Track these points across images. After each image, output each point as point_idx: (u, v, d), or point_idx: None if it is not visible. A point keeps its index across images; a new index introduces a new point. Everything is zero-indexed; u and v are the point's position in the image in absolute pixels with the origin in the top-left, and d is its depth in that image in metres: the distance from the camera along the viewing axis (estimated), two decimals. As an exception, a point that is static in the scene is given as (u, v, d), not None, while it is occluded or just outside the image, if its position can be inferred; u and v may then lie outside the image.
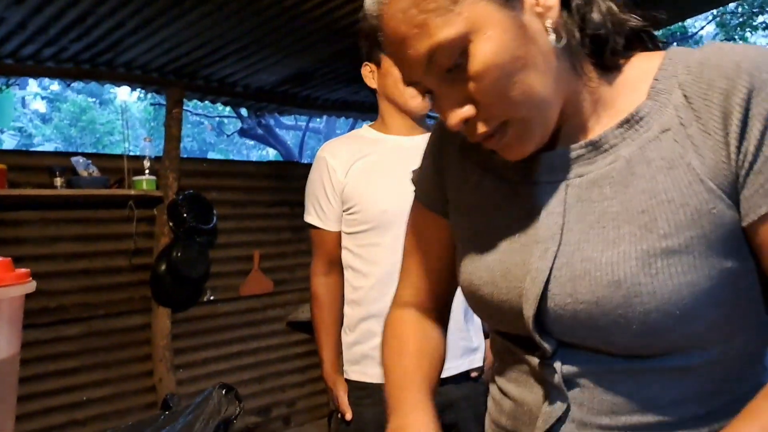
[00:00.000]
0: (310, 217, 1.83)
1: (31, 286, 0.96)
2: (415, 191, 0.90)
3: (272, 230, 4.12)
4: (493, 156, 0.74)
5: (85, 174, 3.07)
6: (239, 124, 5.80)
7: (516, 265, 0.71)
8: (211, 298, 3.84)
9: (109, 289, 3.39)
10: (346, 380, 1.76)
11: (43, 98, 14.60)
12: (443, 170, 0.85)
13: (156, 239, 3.50)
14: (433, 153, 0.87)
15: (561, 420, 0.71)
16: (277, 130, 5.84)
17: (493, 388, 0.86)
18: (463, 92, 0.65)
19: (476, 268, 0.77)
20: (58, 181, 2.99)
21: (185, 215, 3.37)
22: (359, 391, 1.71)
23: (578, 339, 0.69)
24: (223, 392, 1.19)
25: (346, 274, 1.80)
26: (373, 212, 1.71)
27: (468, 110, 0.66)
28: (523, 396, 0.76)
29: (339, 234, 1.80)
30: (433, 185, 0.86)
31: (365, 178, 1.73)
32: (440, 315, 0.94)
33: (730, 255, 0.64)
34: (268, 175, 4.14)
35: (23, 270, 0.95)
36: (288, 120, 6.80)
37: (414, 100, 1.69)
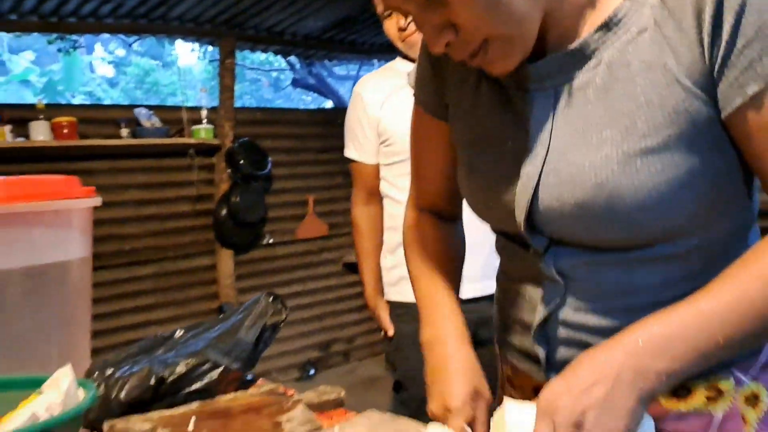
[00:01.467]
0: (349, 152, 1.94)
1: (97, 200, 1.11)
2: (414, 95, 0.93)
3: (325, 175, 4.27)
4: None
5: (147, 125, 3.28)
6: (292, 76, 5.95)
7: (508, 171, 0.75)
8: (270, 241, 4.06)
9: (176, 233, 3.65)
10: (387, 301, 1.89)
11: (109, 63, 15.16)
12: (442, 72, 0.87)
13: (216, 186, 3.72)
14: (431, 56, 0.88)
15: (558, 306, 0.77)
16: (329, 80, 5.93)
17: (499, 283, 0.92)
18: (442, 16, 0.67)
19: (472, 175, 0.81)
20: (124, 131, 3.21)
21: (241, 162, 3.56)
22: (398, 309, 1.84)
23: (567, 237, 0.74)
24: (270, 299, 1.33)
25: (385, 202, 1.91)
26: (408, 143, 1.80)
27: (448, 34, 0.68)
28: (524, 288, 0.82)
29: (377, 166, 1.90)
30: (432, 90, 0.89)
31: (400, 111, 1.81)
32: (453, 212, 0.98)
33: (708, 150, 0.67)
34: (319, 122, 4.27)
35: (89, 187, 1.11)
36: (340, 70, 6.87)
37: (392, 29, 1.77)
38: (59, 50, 3.67)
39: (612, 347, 0.64)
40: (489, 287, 1.85)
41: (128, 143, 3.25)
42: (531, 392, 0.84)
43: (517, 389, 0.88)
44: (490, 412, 0.75)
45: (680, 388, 0.75)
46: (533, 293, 0.80)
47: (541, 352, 0.79)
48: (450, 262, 0.93)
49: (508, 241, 0.85)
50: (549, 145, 0.72)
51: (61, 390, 0.86)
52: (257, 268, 4.01)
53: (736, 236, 0.75)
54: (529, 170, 0.73)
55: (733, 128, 0.67)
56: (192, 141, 3.49)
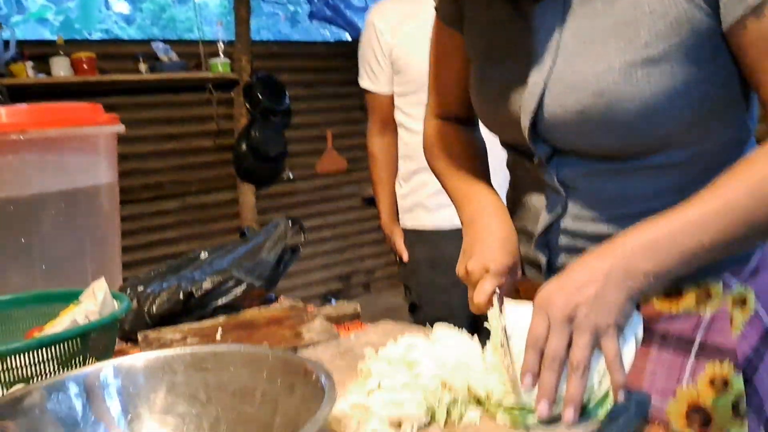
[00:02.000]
0: (363, 81, 1.95)
1: (121, 127, 1.16)
2: (435, 7, 0.95)
3: (343, 110, 4.28)
4: None
5: (165, 59, 3.30)
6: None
7: (516, 81, 0.78)
8: (290, 176, 4.11)
9: (198, 168, 3.72)
10: (402, 228, 1.95)
11: (125, -1, 14.97)
12: None
13: (235, 120, 3.75)
14: None
15: (560, 215, 0.82)
16: (347, 12, 5.83)
17: (508, 198, 0.95)
18: None
19: (483, 85, 0.85)
20: (142, 66, 3.24)
21: (260, 96, 3.57)
22: (412, 235, 1.90)
23: (569, 145, 0.77)
24: (289, 222, 1.39)
25: (400, 131, 1.94)
26: (421, 71, 1.80)
27: None
28: (530, 199, 0.87)
29: (391, 96, 1.92)
30: (451, 2, 0.91)
31: (412, 39, 1.81)
32: (472, 119, 1.01)
33: (707, 61, 0.70)
34: (337, 55, 4.24)
35: (113, 114, 1.16)
36: (358, 1, 6.73)
37: None
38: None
39: (603, 252, 0.68)
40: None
41: (147, 78, 3.28)
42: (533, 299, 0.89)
43: (522, 295, 0.93)
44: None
45: (672, 291, 0.79)
46: (537, 203, 0.84)
47: (542, 259, 0.84)
48: (475, 158, 0.96)
49: (516, 154, 0.89)
50: (556, 54, 0.75)
51: (98, 300, 0.94)
52: (278, 203, 4.09)
53: (732, 149, 0.78)
54: (536, 78, 0.76)
55: (733, 40, 0.69)
56: (210, 75, 3.50)
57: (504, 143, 0.92)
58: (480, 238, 0.82)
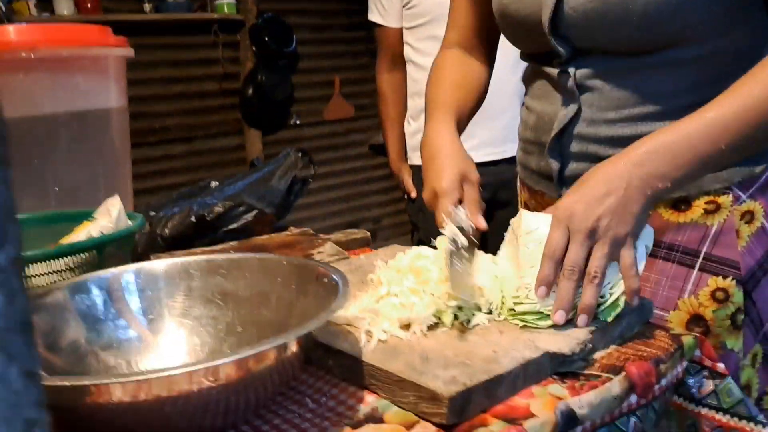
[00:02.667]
0: (372, 15, 1.93)
1: (130, 51, 1.15)
2: None
3: (351, 55, 4.22)
4: None
5: None
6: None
7: None
8: (297, 122, 4.09)
9: (204, 112, 3.70)
10: (410, 166, 1.95)
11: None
12: None
13: (241, 64, 3.71)
14: None
15: (574, 122, 0.82)
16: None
17: (522, 110, 0.97)
18: None
19: None
20: (147, 6, 3.19)
21: (266, 39, 3.52)
22: (420, 173, 1.89)
23: (588, 41, 0.78)
24: (299, 153, 1.39)
25: (409, 68, 1.92)
26: (430, 4, 1.78)
27: None
28: (544, 108, 0.87)
29: (400, 30, 1.89)
30: None
31: (424, -30, 1.78)
32: (486, 52, 1.02)
33: None
34: (345, -2, 4.16)
35: (121, 37, 1.15)
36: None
37: None
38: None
39: (620, 160, 0.68)
40: (509, 150, 1.89)
41: (151, 18, 3.23)
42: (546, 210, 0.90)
43: (534, 207, 0.94)
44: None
45: (681, 201, 0.80)
46: (552, 111, 0.85)
47: (554, 165, 0.85)
48: (462, 89, 0.96)
49: (535, 63, 0.89)
50: None
51: (112, 216, 0.95)
52: (285, 149, 4.08)
53: (751, 51, 0.77)
54: None
55: None
56: (215, 16, 3.45)
57: (524, 55, 0.93)
58: (429, 161, 0.84)
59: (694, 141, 0.67)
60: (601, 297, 0.67)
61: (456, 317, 0.69)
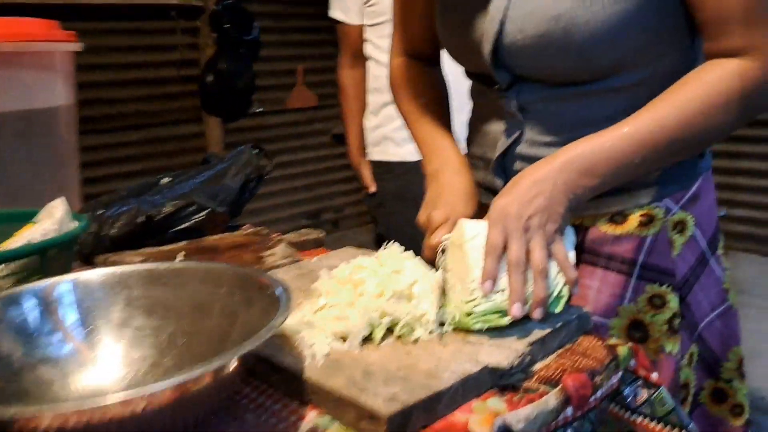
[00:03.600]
0: (334, 12, 1.92)
1: (78, 45, 1.12)
2: None
3: (315, 44, 4.18)
4: None
5: (127, -17, 3.16)
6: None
7: (479, 10, 0.82)
8: (259, 109, 4.04)
9: (162, 99, 3.62)
10: (369, 161, 1.95)
11: None
12: None
13: (201, 51, 3.64)
14: None
15: (517, 141, 0.86)
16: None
17: (469, 128, 1.00)
18: None
19: (447, 11, 0.88)
20: (103, -10, 3.10)
21: (227, 25, 3.46)
22: (380, 168, 1.91)
23: (529, 70, 0.81)
24: (254, 151, 1.37)
25: (369, 64, 1.91)
26: (390, 2, 1.77)
27: None
28: (488, 126, 0.91)
29: (362, 27, 1.89)
30: None
31: (383, -32, 1.77)
32: (435, 56, 1.05)
33: None
34: (308, -13, 4.11)
35: (69, 32, 1.11)
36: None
37: None
38: None
39: (545, 165, 0.73)
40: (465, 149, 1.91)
41: (107, 2, 3.14)
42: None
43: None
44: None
45: (617, 215, 0.85)
46: (496, 130, 0.88)
47: (499, 183, 0.88)
48: (439, 102, 1.00)
49: (478, 83, 0.92)
50: None
51: (56, 219, 0.92)
52: (247, 137, 4.02)
53: (679, 74, 0.80)
54: (497, 5, 0.79)
55: None
56: (174, 1, 3.37)
57: (468, 72, 0.95)
58: (444, 192, 0.86)
59: (610, 153, 0.73)
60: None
61: (391, 331, 0.69)
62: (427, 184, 0.91)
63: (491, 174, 0.89)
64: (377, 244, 2.00)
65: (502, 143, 0.87)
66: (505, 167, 0.88)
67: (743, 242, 3.93)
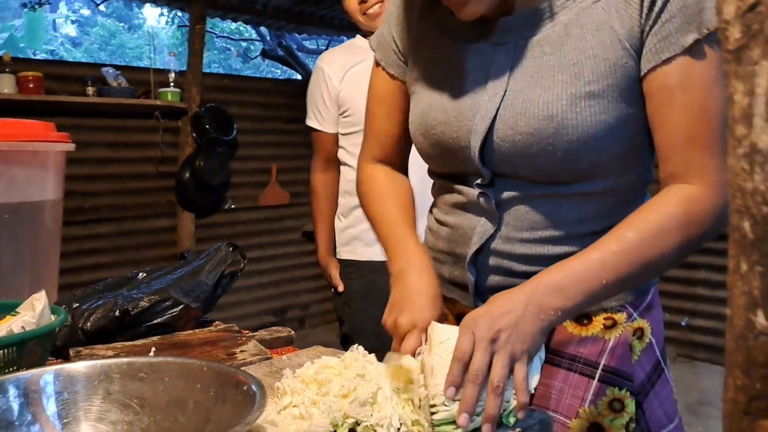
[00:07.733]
0: (310, 121, 2.05)
1: (71, 146, 1.19)
2: (375, 55, 1.02)
3: (289, 145, 4.35)
4: (451, 18, 0.88)
5: (114, 84, 3.30)
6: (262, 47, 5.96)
7: (468, 107, 0.86)
8: (232, 206, 4.12)
9: (137, 193, 3.69)
10: (338, 259, 2.02)
11: (73, 22, 14.73)
12: (402, 34, 0.98)
13: (180, 148, 3.76)
14: (392, 19, 0.99)
15: (491, 238, 0.88)
16: (299, 54, 5.95)
17: (429, 221, 1.04)
18: None
19: (432, 110, 0.90)
20: (90, 90, 3.23)
21: (207, 126, 3.60)
22: (348, 267, 1.97)
23: (511, 168, 0.85)
24: (230, 248, 1.43)
25: (342, 169, 2.02)
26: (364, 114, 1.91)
27: None
28: (459, 221, 0.92)
29: (336, 135, 2.01)
30: (391, 51, 0.99)
31: (358, 84, 1.91)
32: (403, 164, 1.09)
33: (633, 102, 0.82)
34: (285, 93, 4.33)
35: (64, 133, 1.19)
36: (310, 44, 6.88)
37: (351, 3, 1.84)
38: (24, 5, 3.64)
39: (522, 289, 0.77)
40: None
41: (94, 101, 3.27)
42: (454, 319, 0.96)
43: (447, 315, 0.99)
44: None
45: (584, 316, 0.89)
46: (467, 226, 0.91)
47: (471, 280, 0.91)
48: (405, 206, 1.02)
49: (447, 182, 0.95)
50: (507, 87, 0.84)
51: (36, 311, 0.96)
52: (218, 232, 4.08)
53: (638, 189, 0.89)
54: (488, 105, 0.85)
55: (645, 86, 0.81)
56: (158, 103, 3.52)
57: (435, 173, 0.99)
58: (409, 295, 0.87)
59: (581, 278, 0.77)
60: (506, 402, 0.73)
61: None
62: (392, 285, 0.90)
63: (463, 268, 0.91)
64: (343, 343, 2.04)
65: (479, 238, 0.88)
66: (478, 262, 0.90)
67: (706, 352, 3.93)
